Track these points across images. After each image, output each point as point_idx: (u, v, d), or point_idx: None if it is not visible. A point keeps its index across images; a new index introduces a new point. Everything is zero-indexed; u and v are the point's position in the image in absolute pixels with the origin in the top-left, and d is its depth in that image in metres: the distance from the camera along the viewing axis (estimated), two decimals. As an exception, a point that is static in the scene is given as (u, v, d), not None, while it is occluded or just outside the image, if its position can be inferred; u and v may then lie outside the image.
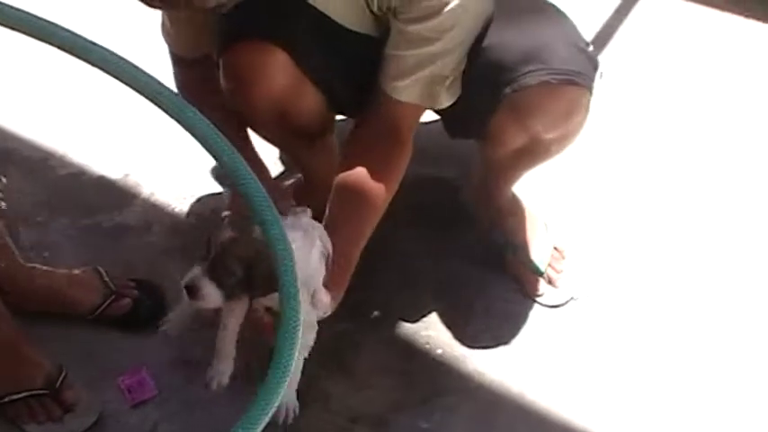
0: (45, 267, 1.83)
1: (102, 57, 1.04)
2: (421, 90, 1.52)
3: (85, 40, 1.05)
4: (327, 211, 1.60)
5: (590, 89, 1.57)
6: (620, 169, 2.15)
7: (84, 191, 2.09)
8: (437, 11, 1.44)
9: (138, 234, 2.00)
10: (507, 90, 1.56)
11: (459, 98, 1.59)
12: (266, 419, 1.04)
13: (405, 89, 1.52)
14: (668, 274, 1.95)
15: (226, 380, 1.61)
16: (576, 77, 1.55)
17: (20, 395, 1.67)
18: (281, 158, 2.10)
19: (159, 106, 1.08)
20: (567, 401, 1.74)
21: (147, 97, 1.07)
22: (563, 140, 1.68)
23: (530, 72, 1.53)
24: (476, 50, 1.54)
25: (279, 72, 1.56)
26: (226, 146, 1.08)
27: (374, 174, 1.58)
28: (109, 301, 1.80)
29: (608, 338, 1.84)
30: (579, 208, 2.07)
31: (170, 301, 1.84)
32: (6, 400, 1.67)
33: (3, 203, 1.90)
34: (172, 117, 1.08)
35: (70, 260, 1.92)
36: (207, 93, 1.63)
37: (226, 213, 1.64)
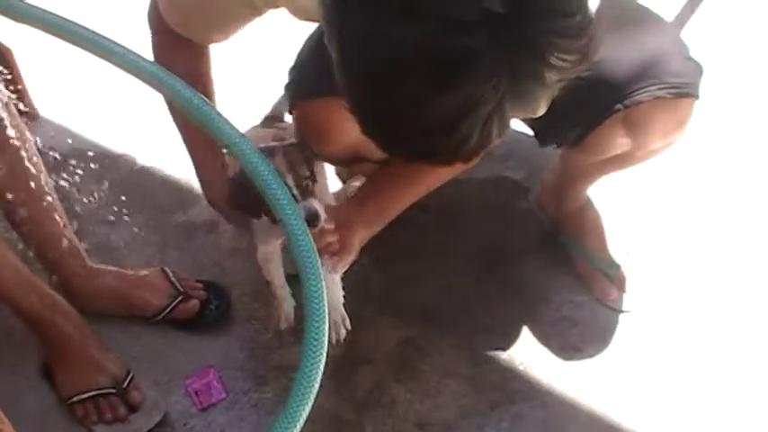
0: (113, 268, 1.84)
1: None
2: None
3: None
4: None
5: (698, 96, 1.54)
6: (695, 175, 2.10)
7: (150, 191, 2.09)
8: None
9: (205, 234, 2.00)
10: (619, 106, 1.52)
11: (560, 109, 1.54)
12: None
13: None
14: (744, 284, 1.90)
15: (291, 316, 1.65)
16: (687, 89, 1.51)
17: (88, 394, 1.69)
18: (337, 172, 2.08)
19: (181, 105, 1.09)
20: (637, 412, 1.70)
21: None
22: (665, 148, 1.64)
23: (643, 88, 1.50)
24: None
25: (353, 126, 1.54)
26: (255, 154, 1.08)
27: None
28: (176, 303, 1.80)
29: (679, 347, 1.80)
30: (653, 211, 2.02)
31: (236, 302, 1.84)
32: (75, 399, 1.69)
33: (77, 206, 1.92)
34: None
35: (138, 260, 1.93)
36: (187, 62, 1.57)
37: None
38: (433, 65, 0.89)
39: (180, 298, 1.81)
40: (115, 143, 2.19)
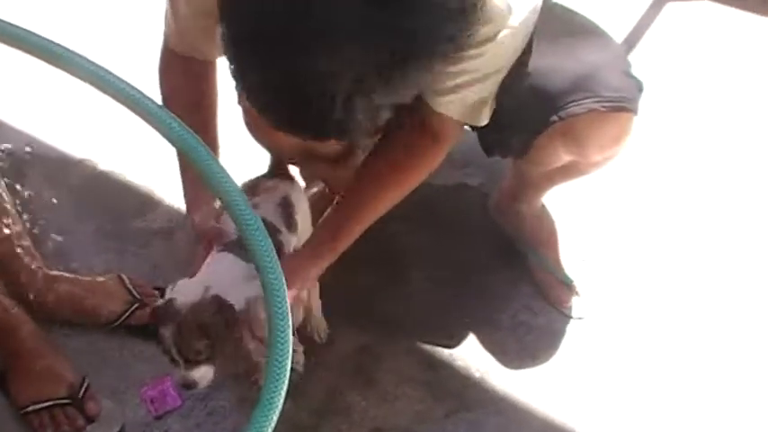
0: (68, 275, 1.83)
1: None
2: (463, 108, 1.46)
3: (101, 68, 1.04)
4: (343, 192, 1.61)
5: (636, 112, 1.56)
6: (647, 177, 2.12)
7: (109, 196, 2.08)
8: (491, 38, 1.39)
9: (162, 240, 1.99)
10: (555, 118, 1.54)
11: (500, 120, 1.56)
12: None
13: (447, 104, 1.46)
14: (700, 288, 1.92)
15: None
16: (623, 103, 1.53)
17: (44, 404, 1.67)
18: (302, 174, 2.07)
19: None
20: (593, 418, 1.72)
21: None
22: (606, 161, 1.67)
23: (578, 100, 1.51)
24: (521, 74, 1.50)
25: None
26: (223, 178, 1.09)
27: (401, 166, 1.56)
28: (132, 310, 1.80)
29: (634, 353, 1.82)
30: (608, 217, 2.04)
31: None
32: (30, 409, 1.67)
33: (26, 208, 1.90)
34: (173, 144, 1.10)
35: (95, 266, 1.92)
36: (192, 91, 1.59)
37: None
38: (294, 32, 1.00)
39: (136, 305, 1.80)
40: (74, 148, 2.18)
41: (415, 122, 1.53)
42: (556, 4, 1.62)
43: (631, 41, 2.46)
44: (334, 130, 1.10)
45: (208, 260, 1.51)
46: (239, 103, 1.55)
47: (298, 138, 1.18)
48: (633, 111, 1.55)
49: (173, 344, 1.41)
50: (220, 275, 1.46)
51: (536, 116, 1.55)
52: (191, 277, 1.49)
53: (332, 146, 1.69)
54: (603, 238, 2.00)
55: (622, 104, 1.53)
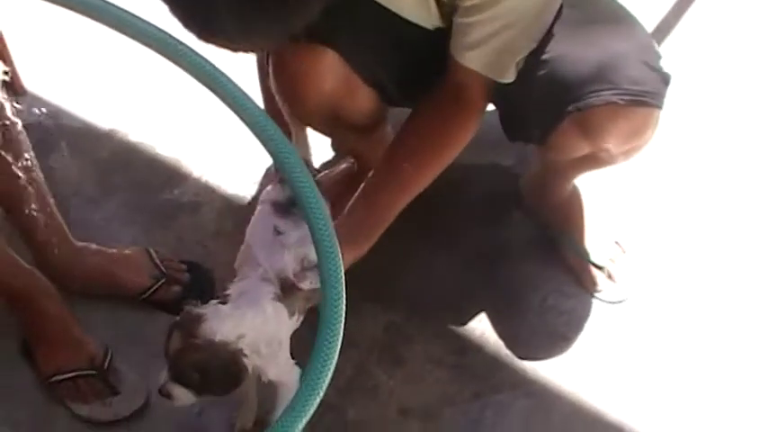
0: (95, 246, 1.82)
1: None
2: (489, 59, 1.45)
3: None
4: (376, 167, 1.57)
5: (660, 107, 1.50)
6: (685, 167, 2.07)
7: (137, 168, 2.07)
8: None
9: (190, 214, 1.97)
10: (571, 108, 1.50)
11: (519, 106, 1.54)
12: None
13: (474, 57, 1.45)
14: (733, 276, 1.88)
15: (250, 425, 1.62)
16: (644, 98, 1.47)
17: (68, 375, 1.67)
18: (332, 146, 2.06)
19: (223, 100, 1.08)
20: (623, 403, 1.69)
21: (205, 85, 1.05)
22: (629, 154, 1.62)
23: (596, 91, 1.47)
24: (541, 59, 1.48)
25: (328, 74, 1.52)
26: (281, 142, 1.07)
27: (433, 139, 1.54)
28: (159, 285, 1.78)
29: (666, 339, 1.79)
30: (642, 202, 2.00)
31: (219, 284, 1.82)
32: (55, 379, 1.67)
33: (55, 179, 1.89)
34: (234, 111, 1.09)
35: (122, 239, 1.91)
36: None
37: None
38: None
39: (163, 280, 1.79)
40: (103, 120, 2.16)
41: (442, 89, 1.52)
42: None
43: (668, 25, 2.40)
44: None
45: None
46: (266, 63, 1.53)
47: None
48: (655, 105, 1.49)
49: (172, 354, 1.37)
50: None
51: (554, 105, 1.52)
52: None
53: (362, 108, 1.67)
54: (637, 222, 1.96)
55: (643, 98, 1.47)
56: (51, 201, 1.76)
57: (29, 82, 2.22)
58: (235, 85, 1.21)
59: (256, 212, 1.52)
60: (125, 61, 2.17)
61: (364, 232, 1.52)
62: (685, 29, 2.37)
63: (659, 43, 2.28)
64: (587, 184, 1.89)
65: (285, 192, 1.49)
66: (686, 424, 1.66)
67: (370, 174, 1.58)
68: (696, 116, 2.15)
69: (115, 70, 2.24)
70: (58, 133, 2.13)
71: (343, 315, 1.11)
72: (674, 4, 2.42)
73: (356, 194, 1.56)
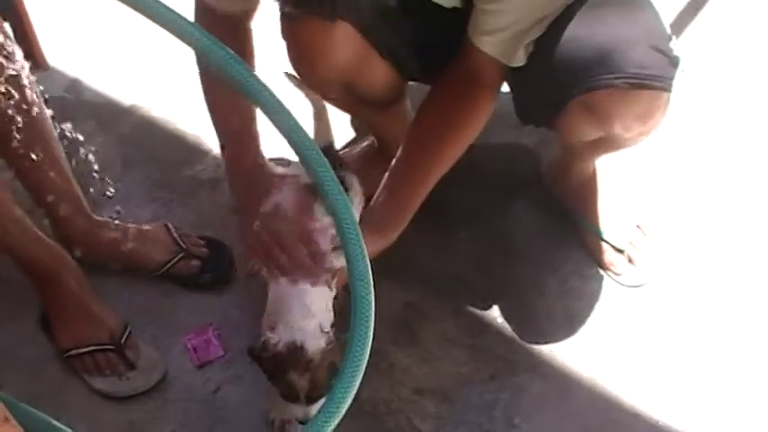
0: (115, 221, 1.83)
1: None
2: (504, 46, 1.46)
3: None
4: (398, 152, 1.57)
5: (667, 90, 1.47)
6: (707, 150, 2.05)
7: (158, 144, 2.07)
8: None
9: (210, 190, 1.98)
10: (575, 92, 1.48)
11: (527, 89, 1.53)
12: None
13: (489, 42, 1.46)
14: (755, 260, 1.86)
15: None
16: (649, 81, 1.44)
17: (86, 349, 1.68)
18: (353, 124, 2.05)
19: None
20: (640, 388, 1.68)
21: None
22: (640, 137, 1.59)
23: (600, 75, 1.44)
24: (549, 43, 1.46)
25: (344, 46, 1.51)
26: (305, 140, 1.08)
27: (451, 121, 1.55)
28: (178, 259, 1.79)
29: (686, 324, 1.76)
30: (663, 186, 1.98)
31: (238, 261, 1.82)
32: (73, 352, 1.69)
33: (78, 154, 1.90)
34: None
35: (142, 214, 1.92)
36: None
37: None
38: None
39: (181, 255, 1.79)
40: (124, 95, 2.17)
41: (457, 68, 1.52)
42: None
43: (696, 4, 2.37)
44: None
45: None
46: (283, 36, 1.52)
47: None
48: (661, 88, 1.46)
49: (304, 387, 1.42)
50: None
51: (560, 89, 1.50)
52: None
53: (378, 82, 1.66)
54: (659, 206, 1.94)
55: (646, 82, 1.44)
56: (72, 176, 1.77)
57: (52, 57, 2.23)
58: (268, 92, 1.19)
59: (282, 191, 1.51)
60: (147, 37, 2.16)
61: (391, 220, 1.54)
62: (712, 6, 2.34)
63: (680, 28, 2.26)
64: (608, 166, 1.87)
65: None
66: (704, 410, 1.65)
67: (392, 162, 1.58)
68: (718, 98, 2.12)
69: (137, 46, 2.24)
70: (80, 108, 2.14)
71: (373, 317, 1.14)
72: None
73: (381, 184, 1.57)
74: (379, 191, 1.57)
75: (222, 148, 1.68)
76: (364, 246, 1.17)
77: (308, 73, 1.60)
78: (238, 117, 1.59)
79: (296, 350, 1.41)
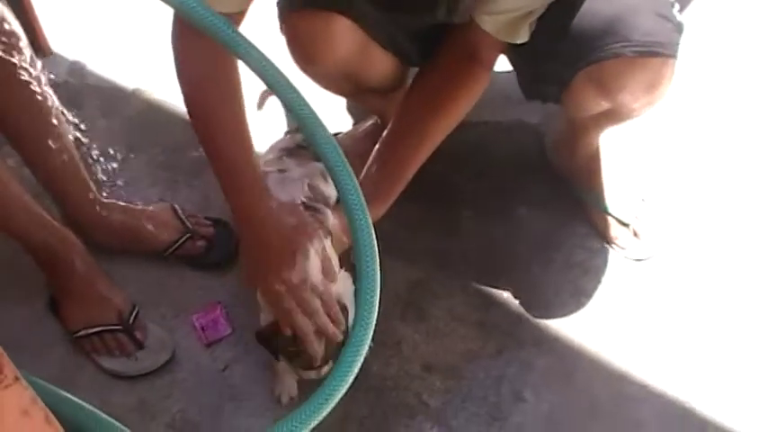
0: (121, 203, 1.83)
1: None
2: (506, 26, 1.45)
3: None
4: (390, 124, 1.57)
5: (674, 56, 1.47)
6: (712, 127, 2.05)
7: (162, 127, 2.07)
8: None
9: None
10: (582, 63, 1.48)
11: (533, 64, 1.52)
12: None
13: (491, 22, 1.45)
14: (759, 234, 1.86)
15: (294, 391, 1.64)
16: (656, 48, 1.44)
17: (94, 329, 1.69)
18: (350, 110, 2.05)
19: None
20: (646, 362, 1.69)
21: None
22: (647, 106, 1.59)
23: (606, 45, 1.44)
24: (554, 16, 1.45)
25: (342, 38, 1.50)
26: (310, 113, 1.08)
27: (444, 95, 1.54)
28: (184, 240, 1.79)
29: (691, 297, 1.77)
30: (668, 160, 1.98)
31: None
32: (82, 333, 1.69)
33: (82, 138, 1.90)
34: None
35: (148, 196, 1.93)
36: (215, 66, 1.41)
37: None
38: None
39: (188, 235, 1.80)
40: (128, 78, 2.17)
41: (455, 43, 1.52)
42: None
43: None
44: None
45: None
46: (282, 32, 1.52)
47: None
48: (668, 55, 1.46)
49: (320, 351, 1.42)
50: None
51: (567, 61, 1.50)
52: None
53: (380, 71, 1.66)
54: (664, 178, 1.94)
55: (653, 49, 1.44)
56: (78, 158, 1.77)
57: (54, 42, 2.23)
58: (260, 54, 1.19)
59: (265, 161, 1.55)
60: (149, 19, 2.17)
61: (381, 193, 1.53)
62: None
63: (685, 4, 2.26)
64: (613, 141, 1.87)
65: (294, 139, 1.51)
66: (711, 381, 1.65)
67: (383, 134, 1.57)
68: (724, 72, 2.12)
69: (139, 29, 2.24)
70: (84, 92, 2.14)
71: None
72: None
73: (371, 156, 1.56)
74: (369, 162, 1.56)
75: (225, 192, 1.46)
76: (370, 221, 1.17)
77: (309, 68, 1.58)
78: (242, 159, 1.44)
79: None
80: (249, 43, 1.17)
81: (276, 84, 1.18)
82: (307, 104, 1.19)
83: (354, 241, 1.20)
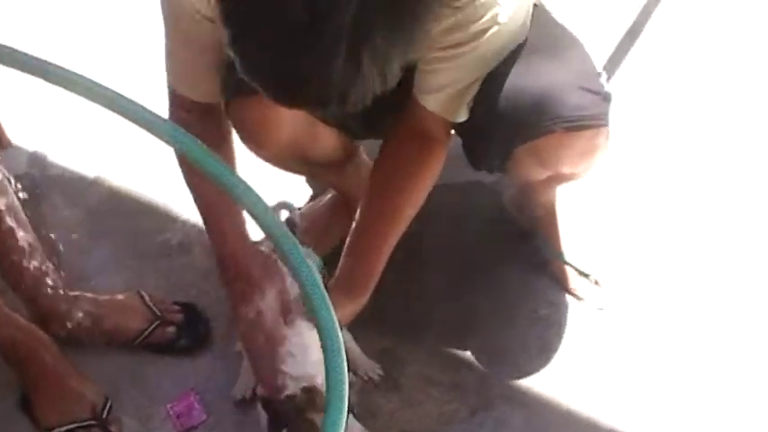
0: (88, 294, 1.83)
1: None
2: (446, 103, 1.48)
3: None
4: (357, 216, 1.60)
5: (604, 125, 1.52)
6: (668, 168, 2.09)
7: (124, 214, 2.08)
8: (480, 33, 1.38)
9: (181, 255, 1.99)
10: (518, 141, 1.52)
11: (475, 137, 1.57)
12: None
13: (431, 100, 1.49)
14: (720, 279, 1.90)
15: (250, 392, 1.66)
16: (586, 121, 1.49)
17: (68, 426, 1.69)
18: (308, 182, 2.08)
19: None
20: (617, 411, 1.71)
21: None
22: (589, 170, 1.64)
23: (539, 123, 1.48)
24: (487, 95, 1.49)
25: (287, 122, 1.54)
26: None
27: (405, 178, 1.57)
28: (153, 327, 1.80)
29: (656, 344, 1.80)
30: (623, 208, 2.02)
31: (213, 323, 1.85)
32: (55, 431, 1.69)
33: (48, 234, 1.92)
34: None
35: (115, 284, 1.93)
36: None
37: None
38: None
39: (157, 323, 1.81)
40: (89, 168, 2.18)
41: (405, 124, 1.55)
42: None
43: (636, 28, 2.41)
44: (339, 84, 1.04)
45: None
46: (226, 112, 1.55)
47: (299, 108, 1.16)
48: (599, 125, 1.51)
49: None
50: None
51: (502, 139, 1.54)
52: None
53: (328, 148, 1.69)
54: (624, 228, 1.98)
55: (583, 123, 1.49)
56: (41, 251, 1.78)
57: (13, 134, 2.25)
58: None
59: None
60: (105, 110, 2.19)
61: (359, 284, 1.57)
62: (655, 30, 2.39)
63: (627, 48, 2.31)
64: (571, 192, 1.91)
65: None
66: (681, 427, 1.68)
67: (353, 226, 1.60)
68: (681, 119, 2.17)
69: (98, 117, 2.24)
70: (45, 183, 2.15)
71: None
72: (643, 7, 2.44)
73: (344, 249, 1.60)
74: (343, 256, 1.59)
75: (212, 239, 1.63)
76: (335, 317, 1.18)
77: (258, 151, 1.62)
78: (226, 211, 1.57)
79: (311, 389, 1.43)
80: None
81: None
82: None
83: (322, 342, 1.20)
